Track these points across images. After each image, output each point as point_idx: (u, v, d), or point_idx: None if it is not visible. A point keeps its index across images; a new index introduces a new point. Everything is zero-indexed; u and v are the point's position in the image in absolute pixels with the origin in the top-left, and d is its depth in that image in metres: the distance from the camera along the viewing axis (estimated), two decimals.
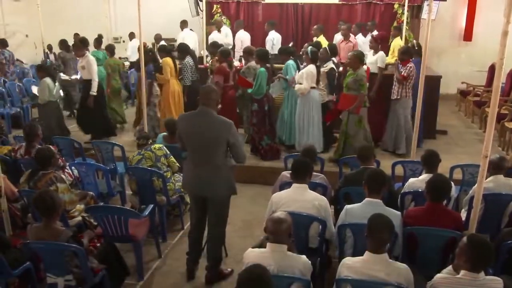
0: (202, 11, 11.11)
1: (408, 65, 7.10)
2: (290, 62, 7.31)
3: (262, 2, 12.09)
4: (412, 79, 7.10)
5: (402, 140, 7.25)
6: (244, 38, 11.01)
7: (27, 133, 5.51)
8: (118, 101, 9.09)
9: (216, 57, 7.78)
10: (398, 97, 7.21)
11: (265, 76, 6.95)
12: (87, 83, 7.79)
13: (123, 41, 13.03)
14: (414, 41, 9.26)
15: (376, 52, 7.98)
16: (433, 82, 7.91)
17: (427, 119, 7.76)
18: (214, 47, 8.33)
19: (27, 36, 13.37)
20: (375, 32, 10.21)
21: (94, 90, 7.68)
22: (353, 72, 6.57)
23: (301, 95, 6.99)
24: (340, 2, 11.64)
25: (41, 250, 3.66)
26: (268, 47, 10.21)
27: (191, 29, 11.35)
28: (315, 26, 10.29)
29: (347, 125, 6.71)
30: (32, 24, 11.73)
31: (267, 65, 7.26)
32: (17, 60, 12.39)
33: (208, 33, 10.67)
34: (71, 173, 5.32)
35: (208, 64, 8.22)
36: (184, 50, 8.09)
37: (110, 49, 9.16)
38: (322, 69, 7.15)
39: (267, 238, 3.28)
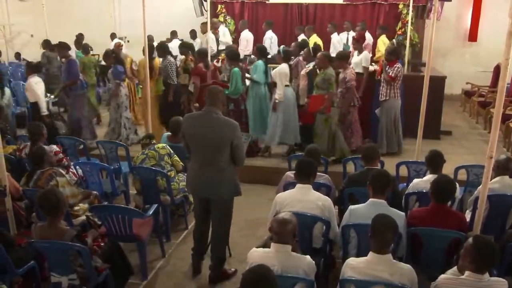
0: (206, 11, 11.13)
1: (395, 65, 7.12)
2: (259, 62, 7.28)
3: (267, 2, 12.08)
4: (400, 79, 7.13)
5: (393, 140, 7.35)
6: (248, 37, 11.16)
7: (31, 133, 5.53)
8: (93, 94, 9.47)
9: (191, 57, 8.02)
10: (387, 98, 7.23)
11: (240, 75, 7.12)
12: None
13: (128, 41, 13.04)
14: (394, 40, 9.23)
15: (360, 52, 8.03)
16: (438, 82, 7.90)
17: (432, 120, 7.73)
18: (184, 47, 8.40)
19: (32, 36, 13.42)
20: (352, 33, 10.36)
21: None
22: (323, 71, 6.71)
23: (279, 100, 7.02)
24: (345, 3, 11.61)
25: (45, 249, 3.67)
26: (266, 46, 10.19)
27: (181, 40, 11.35)
28: (306, 27, 10.58)
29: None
30: (37, 24, 11.76)
31: (240, 64, 7.47)
32: (23, 59, 12.48)
33: (202, 32, 10.77)
34: (75, 172, 5.34)
35: (183, 62, 8.27)
36: (163, 49, 8.05)
37: (85, 48, 9.87)
38: (304, 70, 7.39)
39: (271, 238, 3.28)
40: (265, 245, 3.36)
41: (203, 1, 11.40)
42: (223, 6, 12.18)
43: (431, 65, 5.94)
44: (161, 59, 8.14)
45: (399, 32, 11.17)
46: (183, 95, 7.88)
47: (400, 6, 11.19)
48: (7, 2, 13.82)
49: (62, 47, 8.42)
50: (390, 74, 7.06)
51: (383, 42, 10.09)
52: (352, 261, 3.17)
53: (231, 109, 7.22)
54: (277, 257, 3.13)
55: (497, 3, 10.62)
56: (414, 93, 6.92)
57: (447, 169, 4.61)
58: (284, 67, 7.00)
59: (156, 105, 8.04)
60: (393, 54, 7.24)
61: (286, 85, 7.04)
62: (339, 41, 10.59)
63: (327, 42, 10.72)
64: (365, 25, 10.75)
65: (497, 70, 9.97)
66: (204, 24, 10.69)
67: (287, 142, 7.29)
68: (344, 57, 7.15)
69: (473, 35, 12.00)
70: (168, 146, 5.44)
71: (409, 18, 9.99)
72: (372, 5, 11.59)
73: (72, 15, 13.40)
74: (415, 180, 4.60)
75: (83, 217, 4.67)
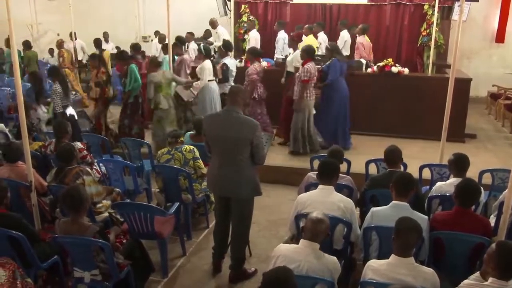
0: (230, 11, 11.15)
1: (305, 65, 7.03)
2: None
3: (290, 2, 12.06)
4: (313, 79, 7.08)
5: (298, 139, 7.31)
6: (257, 37, 11.27)
7: (57, 130, 5.62)
8: None
9: (102, 69, 7.99)
10: (297, 97, 7.16)
11: (137, 71, 7.61)
12: None
13: (151, 40, 13.17)
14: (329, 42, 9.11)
15: (294, 51, 8.02)
16: (463, 84, 7.78)
17: (456, 122, 7.62)
18: (92, 58, 8.39)
19: (58, 35, 13.64)
20: (321, 35, 10.45)
21: None
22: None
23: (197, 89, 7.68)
24: (369, 3, 11.52)
25: (68, 245, 3.72)
26: (279, 46, 10.72)
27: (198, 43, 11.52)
28: (306, 26, 10.46)
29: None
30: (64, 23, 11.96)
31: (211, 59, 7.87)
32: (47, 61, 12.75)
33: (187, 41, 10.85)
34: (99, 169, 5.40)
35: (94, 75, 8.14)
36: (124, 57, 8.09)
37: (26, 44, 11.44)
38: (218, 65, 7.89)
39: (292, 239, 3.29)
40: (290, 243, 3.36)
41: (227, 1, 11.44)
42: (246, 6, 12.20)
43: (457, 66, 5.85)
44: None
45: (424, 33, 11.03)
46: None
47: (425, 7, 11.03)
48: (34, 2, 14.09)
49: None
50: (303, 77, 7.00)
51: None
52: (373, 263, 3.15)
53: (130, 102, 7.69)
54: (305, 253, 3.16)
55: None
56: (439, 95, 6.86)
57: (471, 173, 4.53)
58: (206, 63, 7.57)
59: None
60: (306, 53, 7.14)
61: (210, 80, 7.58)
62: (325, 40, 10.55)
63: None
64: (321, 26, 10.76)
65: None
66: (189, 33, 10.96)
67: None
68: (253, 53, 7.84)
69: (500, 36, 11.75)
70: (195, 150, 5.38)
71: (434, 19, 9.86)
72: (397, 5, 11.46)
73: (97, 14, 13.59)
74: (439, 183, 4.53)
75: (106, 214, 4.72)
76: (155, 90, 7.26)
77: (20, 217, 3.96)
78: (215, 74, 7.75)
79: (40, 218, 4.60)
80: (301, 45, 7.75)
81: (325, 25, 11.36)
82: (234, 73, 8.08)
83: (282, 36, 10.87)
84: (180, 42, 8.43)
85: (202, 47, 7.83)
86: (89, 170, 4.80)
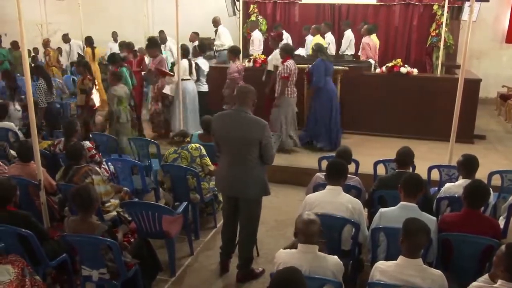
0: (238, 11, 11.17)
1: (285, 63, 7.15)
2: (165, 52, 8.56)
3: (299, 2, 12.05)
4: (292, 76, 7.17)
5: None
6: (260, 38, 11.39)
7: (66, 129, 5.65)
8: None
9: (88, 76, 7.84)
10: (278, 94, 7.28)
11: (128, 74, 7.74)
12: None
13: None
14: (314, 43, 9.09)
15: (275, 50, 8.07)
16: (472, 85, 7.74)
17: (465, 123, 7.57)
18: (81, 65, 8.22)
19: (67, 34, 13.71)
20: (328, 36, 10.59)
21: None
22: None
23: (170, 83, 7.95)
24: (378, 3, 11.48)
25: (77, 243, 3.74)
26: (330, 48, 10.75)
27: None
28: (313, 26, 10.79)
29: None
30: (73, 23, 12.03)
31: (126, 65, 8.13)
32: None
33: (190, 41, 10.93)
34: (107, 168, 5.42)
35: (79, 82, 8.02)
36: (116, 59, 8.11)
37: (14, 44, 11.73)
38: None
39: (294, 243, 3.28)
40: (293, 246, 3.35)
41: (236, 0, 11.45)
42: (255, 6, 12.21)
43: (466, 67, 5.81)
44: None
45: (433, 34, 10.97)
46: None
47: (435, 7, 10.98)
48: (45, 2, 14.18)
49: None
50: (283, 74, 7.11)
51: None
52: (381, 264, 3.14)
53: None
54: (305, 257, 3.13)
55: None
56: (448, 96, 6.83)
57: (480, 174, 4.50)
58: (182, 62, 7.72)
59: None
60: (285, 51, 7.30)
61: (185, 79, 7.79)
62: (332, 40, 10.76)
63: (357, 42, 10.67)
64: (329, 26, 10.82)
65: None
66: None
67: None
68: (233, 51, 8.10)
69: (510, 37, 11.65)
70: (201, 148, 5.41)
71: (444, 19, 9.82)
72: (406, 5, 11.42)
73: (107, 14, 13.66)
74: (447, 185, 4.51)
75: (114, 213, 4.74)
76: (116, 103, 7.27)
77: (29, 215, 3.99)
78: (190, 73, 8.00)
79: (49, 216, 4.63)
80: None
81: (333, 26, 11.39)
82: (206, 73, 8.42)
83: (285, 36, 10.89)
84: (152, 43, 8.30)
85: (180, 46, 7.95)
86: (97, 169, 4.82)
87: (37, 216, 4.31)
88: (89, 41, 11.18)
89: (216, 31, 11.29)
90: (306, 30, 11.10)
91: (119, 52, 9.68)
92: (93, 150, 5.49)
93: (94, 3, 12.98)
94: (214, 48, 11.05)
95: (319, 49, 7.62)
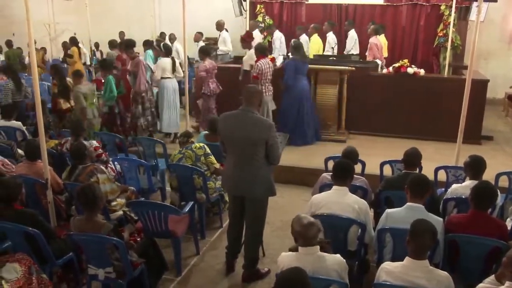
0: (245, 11, 11.17)
1: (257, 62, 7.33)
2: (149, 51, 8.99)
3: (306, 2, 12.01)
4: (265, 75, 7.34)
5: None
6: (282, 37, 11.42)
7: (74, 128, 5.67)
8: None
9: (54, 82, 8.14)
10: None
11: (114, 82, 7.57)
12: None
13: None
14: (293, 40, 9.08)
15: (248, 50, 8.22)
16: (480, 86, 7.69)
17: (472, 124, 7.53)
18: (56, 70, 8.24)
19: (75, 34, 13.77)
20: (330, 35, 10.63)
21: None
22: None
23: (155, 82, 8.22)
24: (385, 3, 11.43)
25: (83, 242, 3.76)
26: (276, 46, 11.13)
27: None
28: (311, 25, 10.76)
29: None
30: (81, 23, 12.09)
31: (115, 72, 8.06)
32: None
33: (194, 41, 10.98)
34: (114, 168, 5.45)
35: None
36: (106, 66, 8.06)
37: (7, 43, 12.42)
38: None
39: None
40: (297, 248, 3.35)
41: (242, 1, 11.45)
42: (262, 6, 12.19)
43: (473, 68, 5.78)
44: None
45: (440, 34, 10.89)
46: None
47: (442, 7, 10.90)
48: (52, 2, 14.26)
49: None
50: (253, 73, 7.29)
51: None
52: (387, 265, 3.13)
53: (105, 112, 7.75)
54: (306, 260, 3.13)
55: None
56: (455, 97, 6.80)
57: (488, 175, 4.47)
58: (164, 60, 8.03)
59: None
60: (258, 51, 7.54)
61: (169, 77, 8.06)
62: (333, 39, 10.71)
63: (365, 42, 10.64)
64: (331, 25, 10.82)
65: None
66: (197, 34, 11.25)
67: (169, 130, 8.28)
68: (203, 51, 8.30)
69: None
70: (205, 146, 5.43)
71: (451, 19, 9.76)
72: (413, 6, 11.35)
73: (114, 14, 13.72)
74: (454, 186, 4.49)
75: (120, 212, 4.76)
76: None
77: (36, 213, 4.01)
78: (174, 71, 8.24)
79: (56, 215, 4.65)
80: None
81: (336, 25, 11.34)
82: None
83: (278, 36, 11.19)
84: (128, 45, 8.24)
85: (162, 45, 8.39)
86: (103, 168, 4.85)
87: (44, 215, 4.34)
88: (74, 41, 11.42)
89: (220, 35, 11.32)
90: (300, 30, 11.10)
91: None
92: (100, 150, 5.52)
93: (101, 3, 13.05)
94: (217, 52, 11.09)
95: (295, 47, 7.78)
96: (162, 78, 8.02)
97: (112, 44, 10.59)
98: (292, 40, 8.36)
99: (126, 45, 8.23)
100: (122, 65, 8.53)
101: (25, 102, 8.44)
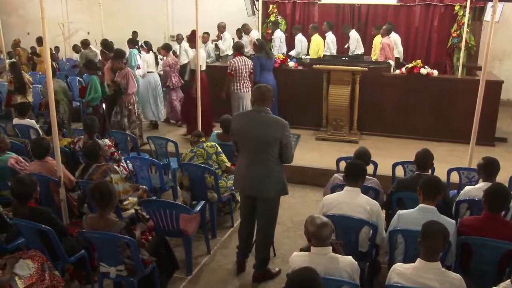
0: (258, 11, 11.18)
1: (232, 60, 7.81)
2: (133, 50, 9.16)
3: (318, 2, 11.98)
4: (240, 72, 7.66)
5: None
6: (282, 36, 11.47)
7: (89, 126, 5.71)
8: None
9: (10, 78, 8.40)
10: (234, 90, 7.79)
11: (98, 83, 7.63)
12: None
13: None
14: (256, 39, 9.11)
15: (192, 48, 8.52)
16: (494, 87, 7.61)
17: (486, 126, 7.46)
18: (14, 68, 8.55)
19: (88, 33, 13.90)
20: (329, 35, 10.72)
21: None
22: None
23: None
24: (398, 4, 11.35)
25: (95, 240, 3.79)
26: (276, 44, 11.14)
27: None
28: (310, 25, 10.83)
29: None
30: (94, 22, 12.19)
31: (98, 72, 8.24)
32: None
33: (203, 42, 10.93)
34: (126, 166, 5.48)
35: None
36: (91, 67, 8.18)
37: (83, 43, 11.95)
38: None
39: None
40: (309, 248, 3.35)
41: (255, 0, 11.45)
42: (274, 6, 12.19)
43: (488, 69, 5.72)
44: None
45: (454, 35, 10.82)
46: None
47: (456, 8, 10.81)
48: (66, 1, 14.38)
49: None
50: (228, 70, 7.71)
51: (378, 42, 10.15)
52: (399, 266, 3.11)
53: (89, 112, 7.70)
54: (318, 260, 3.12)
55: None
56: (469, 98, 6.75)
57: (501, 178, 4.43)
58: (148, 55, 9.01)
59: None
60: (235, 49, 8.15)
61: (151, 71, 8.99)
62: (332, 40, 10.84)
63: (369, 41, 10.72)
64: (329, 26, 10.80)
65: None
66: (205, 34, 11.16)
67: (150, 119, 9.08)
68: (165, 48, 9.14)
69: None
70: (217, 145, 5.45)
71: (466, 19, 9.68)
72: (427, 6, 11.26)
73: (127, 14, 13.80)
74: (467, 188, 4.44)
75: (132, 211, 4.79)
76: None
77: (49, 211, 4.05)
78: (157, 65, 9.20)
79: (68, 213, 4.69)
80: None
81: (352, 26, 11.34)
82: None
83: (278, 35, 11.21)
84: (117, 55, 7.91)
85: (143, 42, 9.48)
86: (116, 168, 4.88)
87: (56, 213, 4.37)
88: (41, 41, 11.44)
89: (222, 36, 11.42)
90: (296, 30, 11.19)
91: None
92: (112, 148, 5.56)
93: (114, 2, 13.14)
94: (219, 53, 11.19)
95: (260, 46, 8.21)
96: (147, 72, 8.93)
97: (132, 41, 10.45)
98: (256, 39, 8.74)
99: (116, 55, 7.79)
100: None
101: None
